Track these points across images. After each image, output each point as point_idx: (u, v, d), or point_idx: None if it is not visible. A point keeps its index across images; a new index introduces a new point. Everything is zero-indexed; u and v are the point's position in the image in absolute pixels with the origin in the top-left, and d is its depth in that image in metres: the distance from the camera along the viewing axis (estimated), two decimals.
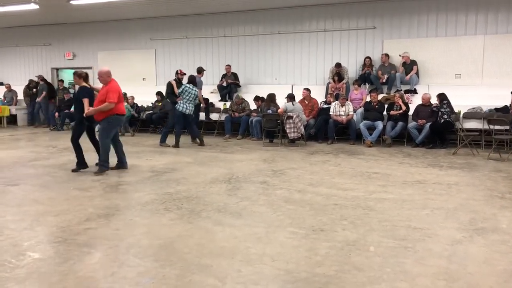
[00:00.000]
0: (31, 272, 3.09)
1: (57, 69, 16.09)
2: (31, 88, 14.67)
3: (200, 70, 11.62)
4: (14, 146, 9.73)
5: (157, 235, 3.86)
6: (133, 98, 12.82)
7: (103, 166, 6.61)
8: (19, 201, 5.04)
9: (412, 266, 3.15)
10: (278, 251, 3.44)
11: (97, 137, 6.86)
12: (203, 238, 3.77)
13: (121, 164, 6.92)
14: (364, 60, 11.36)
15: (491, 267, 3.15)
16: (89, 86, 6.82)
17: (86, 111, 6.50)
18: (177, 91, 9.52)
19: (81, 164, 6.74)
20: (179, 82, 9.88)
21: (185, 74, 10.25)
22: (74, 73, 6.82)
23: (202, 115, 12.01)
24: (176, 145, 9.41)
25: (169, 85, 9.79)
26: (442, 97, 9.32)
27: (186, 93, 9.32)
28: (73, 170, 6.67)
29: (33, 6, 12.20)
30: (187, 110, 9.33)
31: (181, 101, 9.31)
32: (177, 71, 10.18)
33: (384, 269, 3.10)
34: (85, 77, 6.74)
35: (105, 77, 6.61)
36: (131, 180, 6.11)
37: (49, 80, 15.23)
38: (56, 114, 13.79)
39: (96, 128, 7.23)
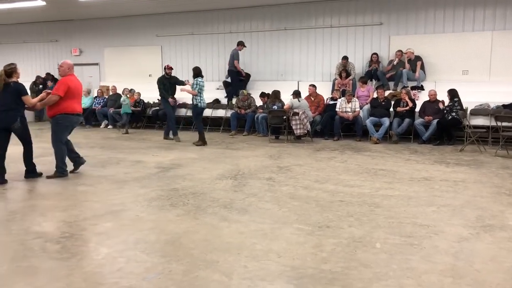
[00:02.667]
0: (38, 267, 3.12)
1: None
2: (38, 85, 14.74)
3: (239, 44, 11.96)
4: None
5: (164, 231, 3.88)
6: (139, 94, 12.82)
7: (60, 171, 6.06)
8: (27, 197, 5.07)
9: (419, 263, 3.14)
10: (284, 247, 3.44)
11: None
12: (209, 234, 3.78)
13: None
14: (371, 56, 11.31)
15: (498, 264, 3.14)
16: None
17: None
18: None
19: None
20: (168, 77, 9.98)
21: (172, 68, 10.23)
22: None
23: (209, 111, 12.06)
24: (204, 142, 9.18)
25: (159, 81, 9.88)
26: (453, 93, 9.21)
27: (199, 86, 8.96)
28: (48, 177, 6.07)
29: (40, 3, 12.26)
30: (205, 104, 9.21)
31: (198, 97, 8.98)
32: (164, 66, 10.24)
33: (390, 266, 3.09)
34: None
35: (65, 69, 6.14)
36: (138, 176, 6.13)
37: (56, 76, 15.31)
38: None
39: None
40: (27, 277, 2.95)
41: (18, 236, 3.73)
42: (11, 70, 5.77)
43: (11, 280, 2.91)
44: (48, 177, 6.02)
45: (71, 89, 5.98)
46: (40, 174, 6.17)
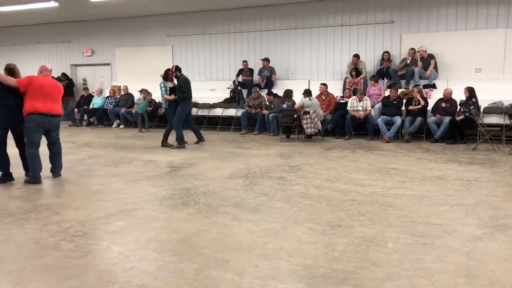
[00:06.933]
0: (52, 265, 3.15)
1: (76, 66, 16.29)
2: None
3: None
4: None
5: (175, 229, 3.90)
6: (150, 94, 12.76)
7: (34, 177, 5.67)
8: (40, 196, 5.13)
9: (432, 262, 3.12)
10: (295, 247, 3.44)
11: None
12: (221, 233, 3.79)
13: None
14: (383, 55, 11.23)
15: None
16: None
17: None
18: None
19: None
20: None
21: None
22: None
23: (219, 111, 12.05)
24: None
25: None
26: (471, 92, 9.10)
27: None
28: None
29: (52, 4, 12.38)
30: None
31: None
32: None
33: (402, 265, 3.07)
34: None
35: (40, 70, 5.94)
36: (150, 175, 6.17)
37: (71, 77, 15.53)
38: (76, 110, 14.03)
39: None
40: (41, 275, 2.99)
41: (33, 235, 3.78)
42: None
43: (26, 278, 2.95)
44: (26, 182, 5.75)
45: (33, 85, 5.62)
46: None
